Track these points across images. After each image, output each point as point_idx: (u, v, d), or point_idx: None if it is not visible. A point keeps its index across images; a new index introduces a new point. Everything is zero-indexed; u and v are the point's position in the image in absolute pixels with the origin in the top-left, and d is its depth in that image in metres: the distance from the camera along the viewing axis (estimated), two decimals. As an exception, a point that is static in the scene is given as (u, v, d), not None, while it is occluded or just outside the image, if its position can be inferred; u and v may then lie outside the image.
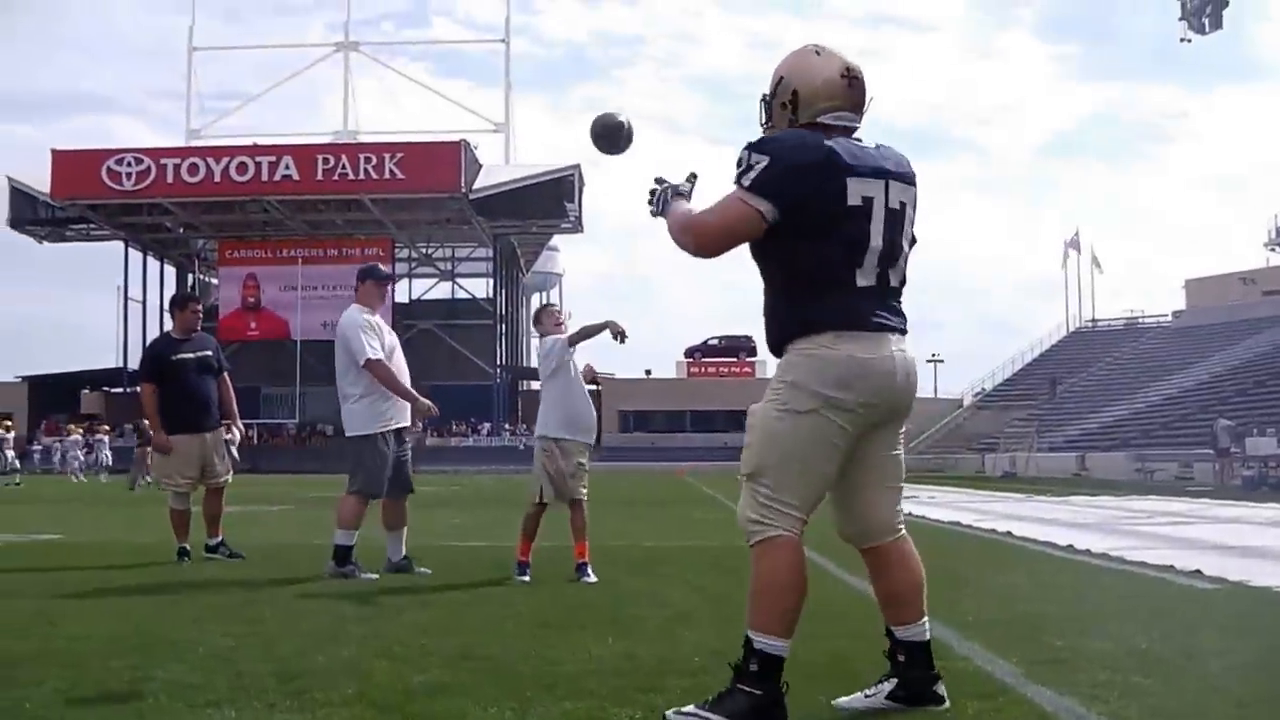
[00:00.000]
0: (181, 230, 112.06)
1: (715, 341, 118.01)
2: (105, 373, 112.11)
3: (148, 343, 13.29)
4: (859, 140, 5.51)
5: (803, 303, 5.39)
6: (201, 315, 14.66)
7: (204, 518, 13.83)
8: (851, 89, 5.55)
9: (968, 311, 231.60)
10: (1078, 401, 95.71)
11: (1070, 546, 14.84)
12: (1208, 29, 67.39)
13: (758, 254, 5.50)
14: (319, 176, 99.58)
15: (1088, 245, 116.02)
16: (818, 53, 5.58)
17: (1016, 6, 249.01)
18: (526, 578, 11.25)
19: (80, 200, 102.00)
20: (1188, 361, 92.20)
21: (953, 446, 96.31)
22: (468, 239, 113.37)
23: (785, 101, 5.53)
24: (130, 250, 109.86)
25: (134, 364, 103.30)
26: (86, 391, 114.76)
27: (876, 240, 5.38)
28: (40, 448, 78.78)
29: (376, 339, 12.01)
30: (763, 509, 5.39)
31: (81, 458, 63.25)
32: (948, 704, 5.63)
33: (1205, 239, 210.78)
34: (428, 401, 12.21)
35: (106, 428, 69.31)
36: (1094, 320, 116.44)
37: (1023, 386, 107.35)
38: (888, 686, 5.69)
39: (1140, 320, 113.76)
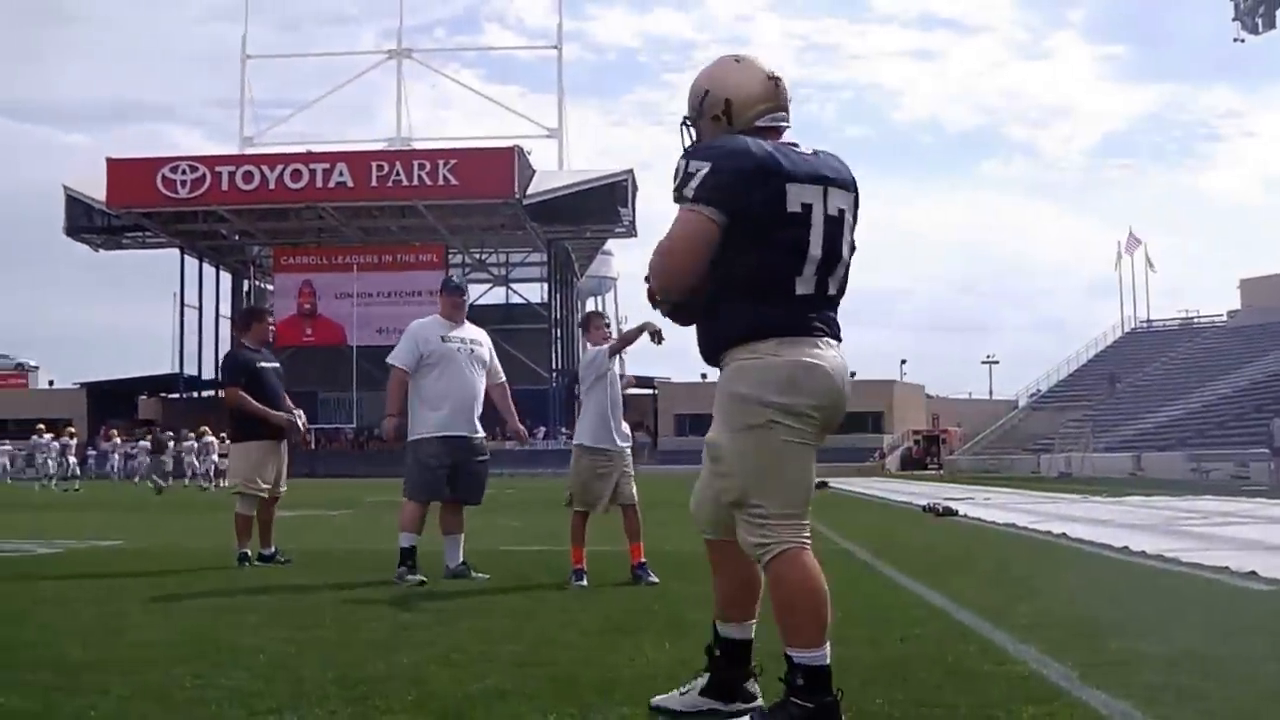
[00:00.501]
0: (237, 237, 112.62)
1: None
2: (162, 379, 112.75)
3: (225, 353, 13.65)
4: (795, 145, 5.43)
5: (743, 309, 5.31)
6: (273, 329, 14.96)
7: (258, 525, 14.01)
8: (779, 90, 5.50)
9: (1022, 313, 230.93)
10: (1133, 401, 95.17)
11: (1125, 548, 14.77)
12: (1261, 29, 67.15)
13: None
14: (373, 183, 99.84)
15: (1142, 246, 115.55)
16: (737, 60, 5.55)
17: (1065, 7, 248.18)
18: (584, 583, 11.32)
19: (135, 208, 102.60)
20: (1243, 361, 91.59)
21: (1008, 447, 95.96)
22: (522, 244, 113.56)
23: (718, 114, 5.46)
24: (186, 257, 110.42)
25: (190, 369, 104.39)
26: (144, 397, 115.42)
27: (816, 249, 5.31)
28: (96, 453, 79.15)
29: (413, 347, 12.39)
30: (762, 530, 5.28)
31: (148, 462, 63.82)
32: (760, 700, 5.56)
33: (1260, 238, 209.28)
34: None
35: (170, 434, 69.84)
36: (1149, 320, 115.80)
37: (1078, 387, 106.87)
38: (700, 682, 5.65)
39: (1195, 320, 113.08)
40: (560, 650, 7.46)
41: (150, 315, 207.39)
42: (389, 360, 12.48)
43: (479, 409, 12.54)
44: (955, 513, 24.39)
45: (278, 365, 14.57)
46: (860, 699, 5.74)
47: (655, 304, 5.55)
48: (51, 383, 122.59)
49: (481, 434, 12.53)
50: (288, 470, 14.43)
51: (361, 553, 14.71)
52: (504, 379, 12.93)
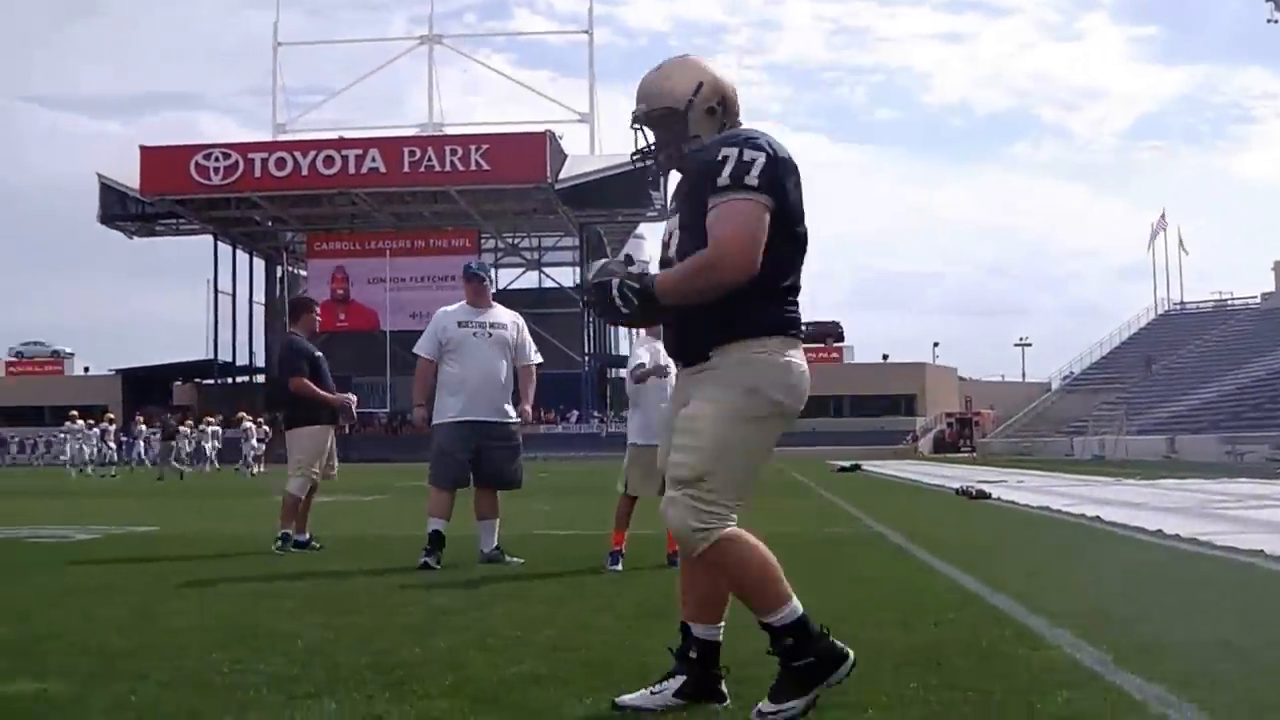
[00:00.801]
0: (270, 224, 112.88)
1: (801, 328, 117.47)
2: (197, 364, 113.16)
3: (283, 343, 13.85)
4: None
5: (754, 305, 5.26)
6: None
7: (298, 512, 14.12)
8: None
9: (1054, 296, 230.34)
10: (1167, 384, 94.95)
11: (1159, 531, 14.73)
12: (1295, 10, 66.78)
13: None
14: (405, 169, 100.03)
15: (1175, 228, 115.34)
16: (706, 61, 5.57)
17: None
18: (619, 567, 11.38)
19: (169, 195, 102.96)
20: (1277, 343, 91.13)
21: (1041, 430, 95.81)
22: (554, 229, 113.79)
23: (714, 106, 5.41)
24: (219, 244, 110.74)
25: (224, 356, 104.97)
26: (179, 384, 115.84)
27: (808, 246, 5.42)
28: (129, 439, 79.40)
29: (433, 335, 12.53)
30: (704, 514, 5.20)
31: (188, 449, 64.35)
32: (729, 701, 5.56)
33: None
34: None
35: (210, 419, 70.22)
36: (1182, 303, 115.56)
37: (1111, 369, 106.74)
38: (674, 684, 5.54)
39: (1229, 302, 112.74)
40: (595, 635, 7.51)
41: (184, 302, 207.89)
42: (414, 350, 12.61)
43: (504, 393, 12.55)
44: (989, 495, 24.33)
45: (322, 355, 14.68)
46: (894, 683, 5.80)
47: (619, 315, 5.39)
48: (87, 369, 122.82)
49: (510, 418, 12.54)
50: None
51: (396, 538, 14.70)
52: (533, 362, 12.78)
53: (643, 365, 11.93)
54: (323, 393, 14.21)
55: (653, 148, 5.59)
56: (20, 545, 15.26)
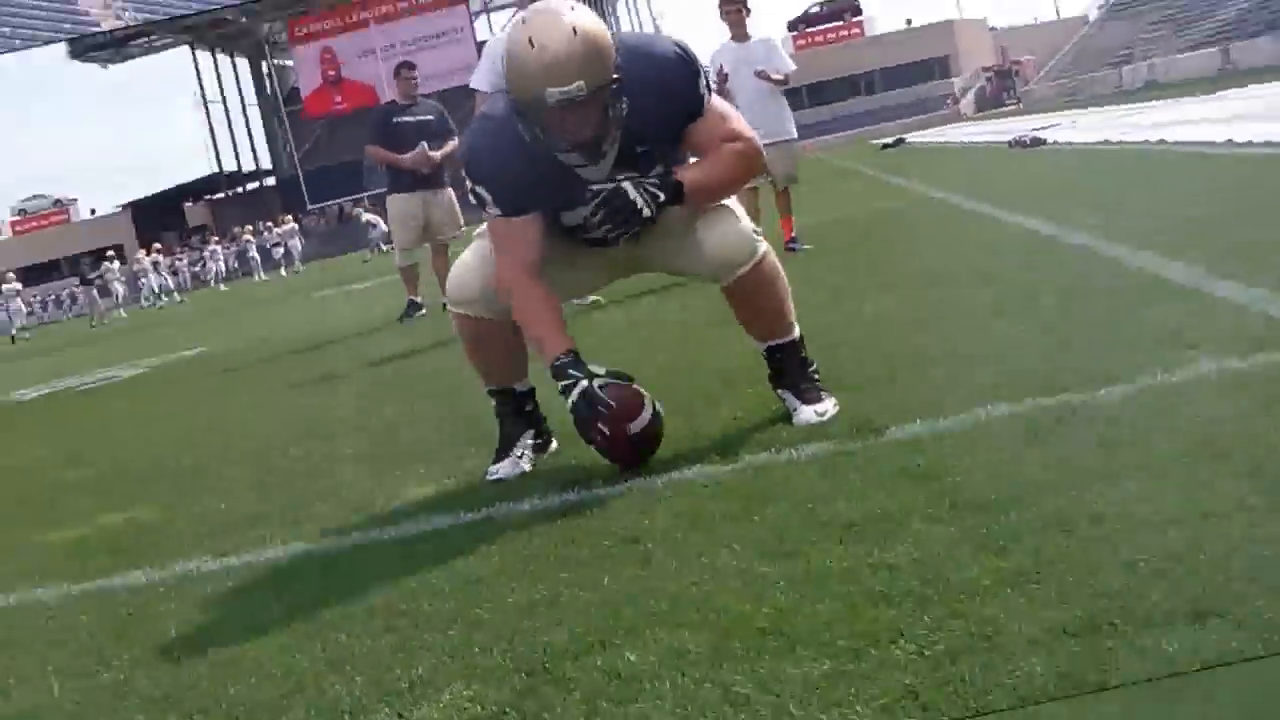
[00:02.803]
0: (243, 20, 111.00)
1: (816, 8, 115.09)
2: (203, 181, 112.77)
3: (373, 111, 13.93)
4: None
5: None
6: (416, 81, 15.07)
7: (435, 274, 14.02)
8: None
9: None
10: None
11: (1229, 141, 14.49)
12: None
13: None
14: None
15: None
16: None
17: None
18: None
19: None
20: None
21: (1085, 66, 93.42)
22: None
23: None
24: (197, 52, 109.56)
25: (229, 166, 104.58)
26: (189, 205, 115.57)
27: None
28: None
29: (493, 67, 11.65)
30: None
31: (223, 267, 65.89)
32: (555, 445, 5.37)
33: None
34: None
35: (216, 239, 70.75)
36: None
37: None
38: (529, 441, 5.25)
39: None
40: (681, 343, 7.82)
41: (179, 123, 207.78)
42: (471, 84, 11.52)
43: None
44: (1044, 141, 24.18)
45: (428, 119, 14.49)
46: (990, 327, 5.91)
47: (639, 221, 4.80)
48: (94, 211, 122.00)
49: None
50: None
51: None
52: None
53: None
54: (391, 155, 14.09)
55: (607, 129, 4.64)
56: (70, 395, 15.42)
